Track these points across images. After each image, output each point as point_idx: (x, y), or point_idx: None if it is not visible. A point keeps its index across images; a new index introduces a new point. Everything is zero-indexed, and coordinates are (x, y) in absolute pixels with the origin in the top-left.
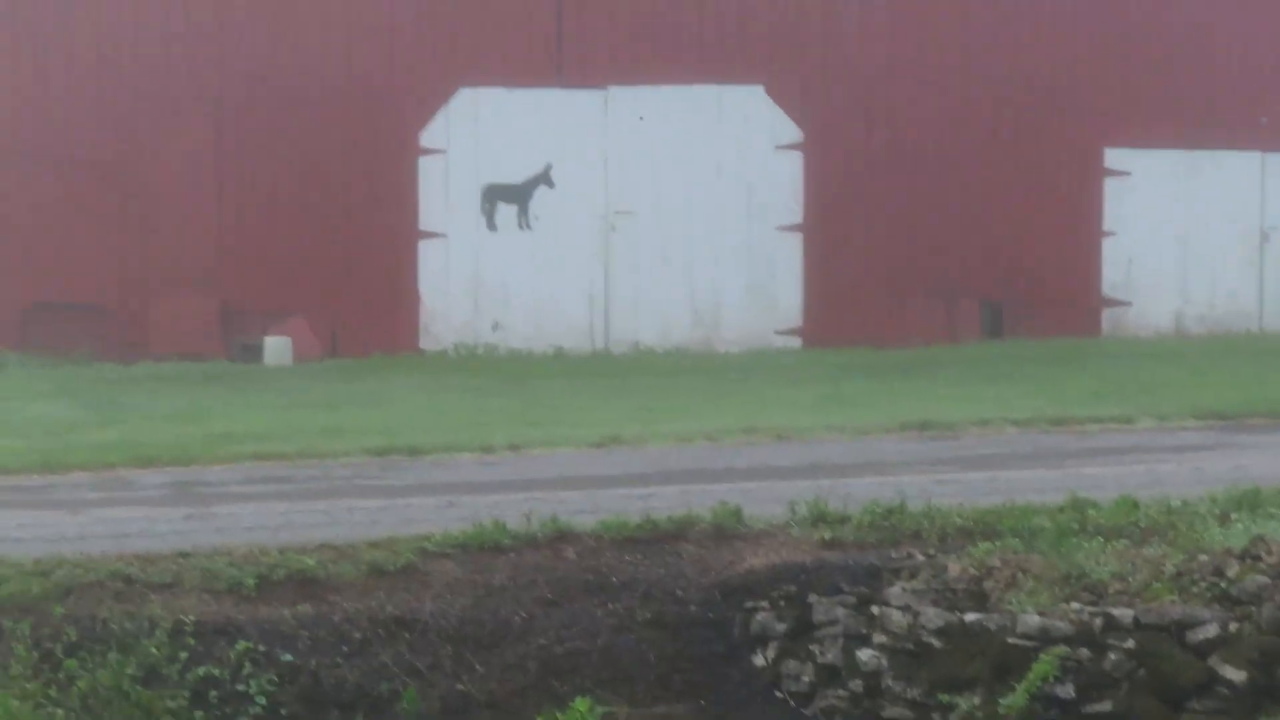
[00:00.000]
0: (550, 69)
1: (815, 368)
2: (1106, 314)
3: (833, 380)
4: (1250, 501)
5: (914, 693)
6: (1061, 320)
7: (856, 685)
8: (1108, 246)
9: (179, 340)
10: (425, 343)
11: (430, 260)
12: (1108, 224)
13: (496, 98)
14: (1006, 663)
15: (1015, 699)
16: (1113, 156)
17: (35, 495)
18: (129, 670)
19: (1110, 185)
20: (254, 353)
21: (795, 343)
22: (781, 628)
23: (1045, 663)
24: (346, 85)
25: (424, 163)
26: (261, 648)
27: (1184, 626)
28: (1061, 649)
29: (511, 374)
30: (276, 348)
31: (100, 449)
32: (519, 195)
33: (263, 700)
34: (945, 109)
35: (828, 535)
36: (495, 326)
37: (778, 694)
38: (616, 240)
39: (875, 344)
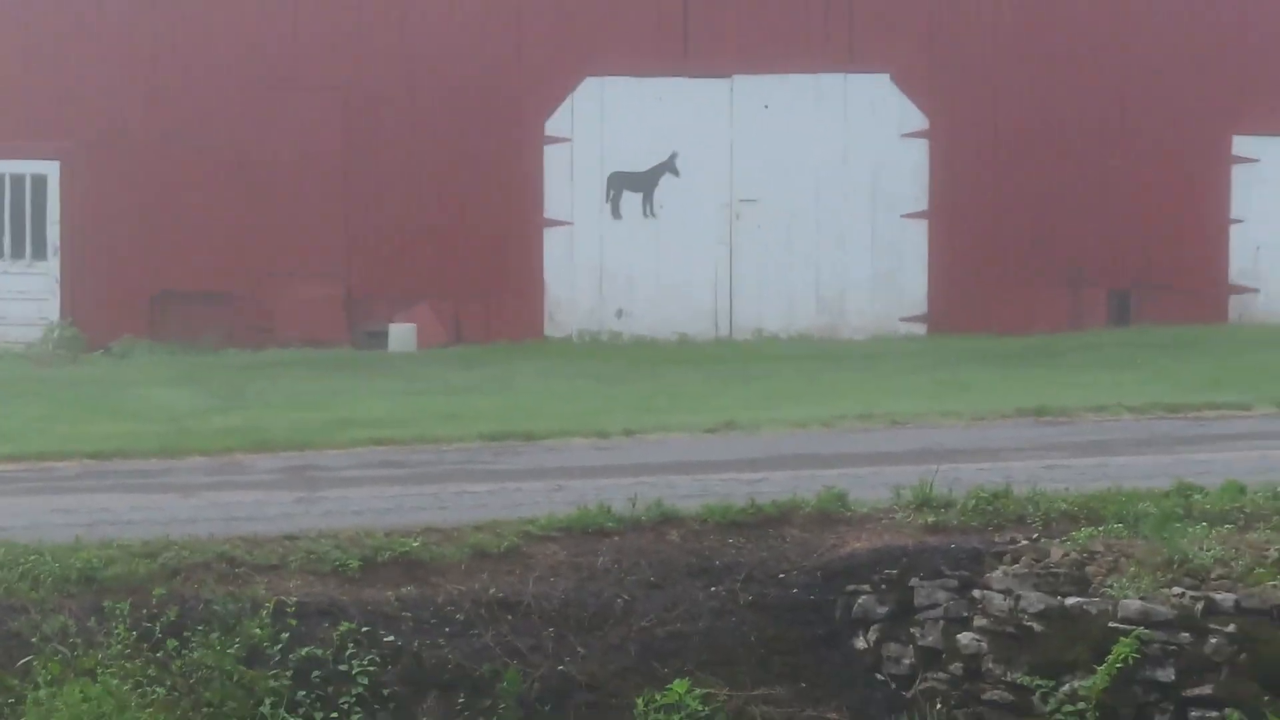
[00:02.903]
0: (676, 58)
1: (938, 354)
2: (1233, 301)
3: (954, 367)
4: None
5: (1014, 676)
6: (1187, 307)
7: (957, 668)
8: (1235, 233)
9: (304, 327)
10: (550, 330)
11: (555, 248)
12: (1235, 211)
13: (622, 86)
14: (1107, 647)
15: (1096, 681)
16: (1240, 143)
17: (151, 479)
18: (231, 650)
19: (1238, 172)
20: (378, 339)
21: (920, 329)
22: (883, 611)
23: (1125, 645)
24: (473, 74)
25: (550, 151)
26: (364, 629)
27: None
28: (1143, 631)
29: (634, 360)
30: (401, 334)
31: (220, 434)
32: (644, 183)
33: (364, 680)
34: (1070, 96)
35: (931, 519)
36: (619, 314)
37: (878, 676)
38: (741, 228)
39: (999, 331)
